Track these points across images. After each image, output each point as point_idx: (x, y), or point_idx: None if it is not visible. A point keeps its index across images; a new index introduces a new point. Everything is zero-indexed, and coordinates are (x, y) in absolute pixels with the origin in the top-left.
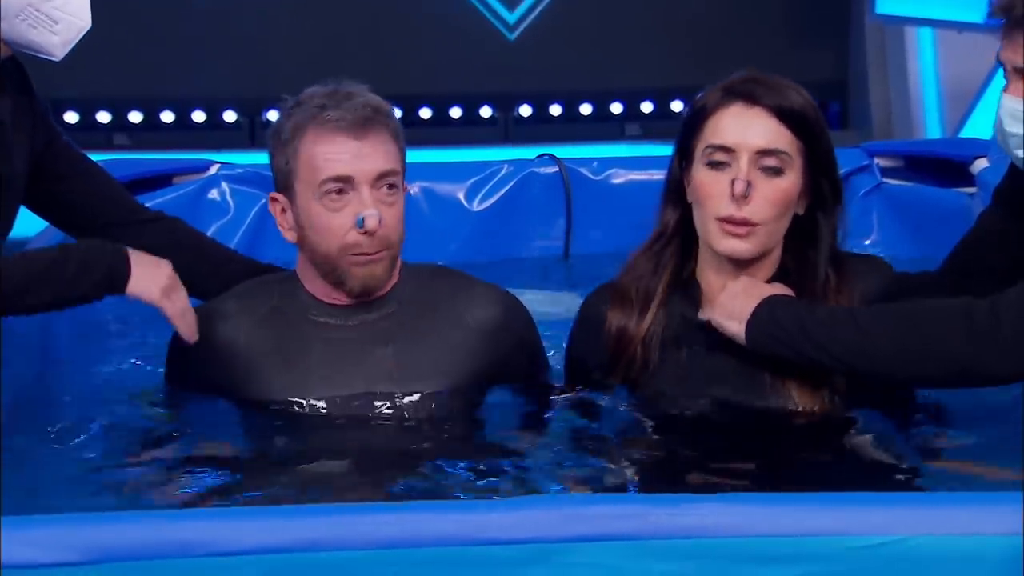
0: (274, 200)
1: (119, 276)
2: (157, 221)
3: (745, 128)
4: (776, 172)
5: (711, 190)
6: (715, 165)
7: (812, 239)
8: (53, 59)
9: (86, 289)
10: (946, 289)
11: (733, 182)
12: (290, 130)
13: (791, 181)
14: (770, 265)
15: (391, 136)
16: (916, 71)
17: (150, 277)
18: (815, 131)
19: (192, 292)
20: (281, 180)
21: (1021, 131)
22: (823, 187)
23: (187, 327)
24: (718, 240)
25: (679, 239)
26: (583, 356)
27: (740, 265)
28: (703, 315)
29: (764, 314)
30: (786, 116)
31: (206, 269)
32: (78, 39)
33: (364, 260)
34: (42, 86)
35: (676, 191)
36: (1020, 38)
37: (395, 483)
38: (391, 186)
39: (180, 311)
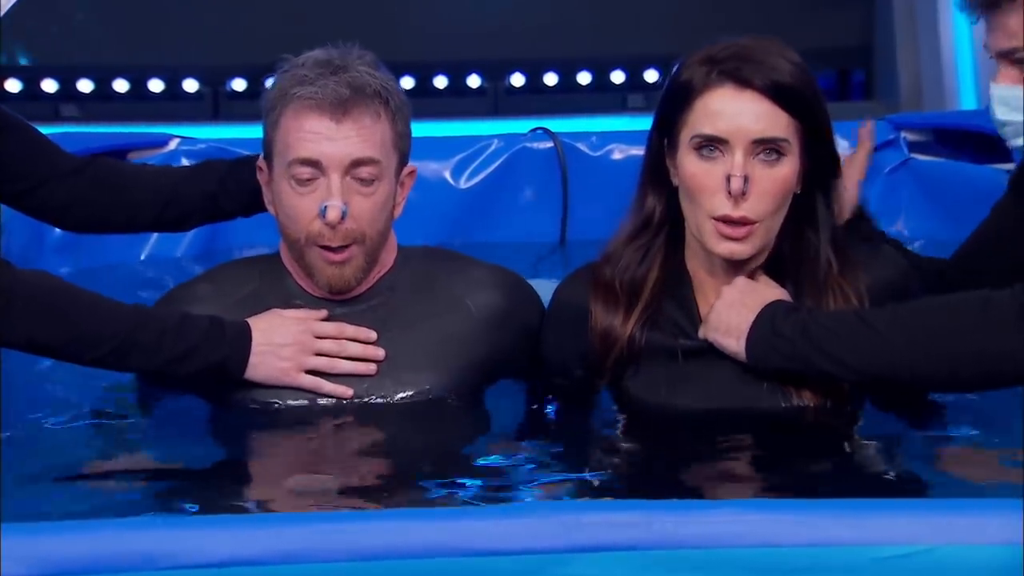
0: (260, 168)
1: (237, 362)
2: (87, 167)
3: (738, 115)
4: (774, 161)
5: (703, 184)
6: (706, 156)
7: (811, 218)
8: None
9: (196, 368)
10: (959, 277)
11: (729, 178)
12: (274, 98)
13: (790, 167)
14: (764, 252)
15: (380, 119)
16: (949, 36)
17: (271, 360)
18: (812, 106)
19: (141, 228)
20: (266, 148)
21: (1016, 118)
22: (821, 161)
23: (334, 391)
24: (714, 242)
25: (667, 228)
26: (562, 347)
27: (735, 264)
28: (701, 334)
29: (765, 327)
30: (781, 96)
31: (151, 198)
32: (9, 6)
33: (331, 258)
34: None
35: (659, 173)
36: (997, 21)
37: (381, 486)
38: (367, 175)
39: (314, 384)
